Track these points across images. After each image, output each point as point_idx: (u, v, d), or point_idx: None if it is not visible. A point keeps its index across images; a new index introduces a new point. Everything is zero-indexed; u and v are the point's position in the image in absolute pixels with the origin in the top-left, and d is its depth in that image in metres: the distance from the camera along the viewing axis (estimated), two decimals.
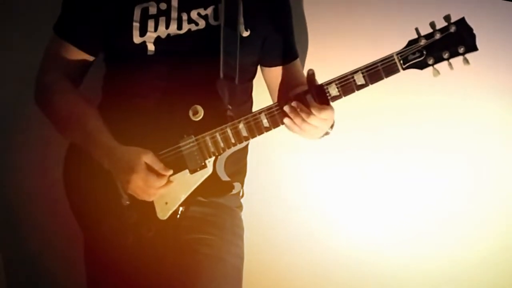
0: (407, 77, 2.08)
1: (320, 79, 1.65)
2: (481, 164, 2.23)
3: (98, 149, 1.64)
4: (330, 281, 2.28)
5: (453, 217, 2.26)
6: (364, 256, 2.28)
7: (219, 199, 1.79)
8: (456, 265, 2.28)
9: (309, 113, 1.60)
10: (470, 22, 1.58)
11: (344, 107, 2.10)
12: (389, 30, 2.11)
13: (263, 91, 1.94)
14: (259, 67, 1.90)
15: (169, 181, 1.63)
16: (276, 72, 1.88)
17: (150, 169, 1.60)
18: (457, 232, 2.27)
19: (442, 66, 1.60)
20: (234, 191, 1.74)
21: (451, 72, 2.07)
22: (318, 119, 1.61)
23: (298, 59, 1.93)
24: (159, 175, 1.60)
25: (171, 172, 1.63)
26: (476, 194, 2.25)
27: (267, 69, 1.90)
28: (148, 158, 1.60)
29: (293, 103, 1.61)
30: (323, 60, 2.13)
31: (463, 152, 2.23)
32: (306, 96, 1.61)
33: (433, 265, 2.28)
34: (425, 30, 1.59)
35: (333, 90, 1.62)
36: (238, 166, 1.85)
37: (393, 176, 2.26)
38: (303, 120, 1.60)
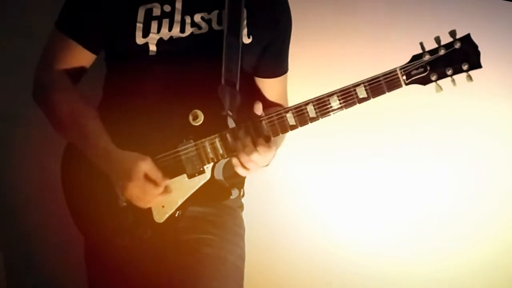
0: None
1: (322, 84, 1.64)
2: (481, 164, 2.24)
3: (94, 150, 1.63)
4: (330, 281, 2.29)
5: (453, 217, 2.27)
6: (364, 256, 2.29)
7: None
8: (456, 265, 2.28)
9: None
10: (470, 22, 1.57)
11: None
12: (392, 32, 2.11)
13: None
14: None
15: (166, 189, 1.62)
16: (268, 84, 1.87)
17: (147, 178, 1.58)
18: (457, 232, 2.27)
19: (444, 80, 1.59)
20: (232, 197, 1.73)
21: None
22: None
23: (286, 74, 1.91)
24: (156, 184, 1.59)
25: (168, 181, 1.61)
26: (476, 194, 2.26)
27: (260, 80, 1.88)
28: (147, 166, 1.58)
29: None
30: (324, 65, 2.14)
31: (464, 152, 2.23)
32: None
33: (433, 265, 2.28)
34: (428, 37, 1.57)
35: (335, 103, 1.61)
36: None
37: (393, 176, 2.26)
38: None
